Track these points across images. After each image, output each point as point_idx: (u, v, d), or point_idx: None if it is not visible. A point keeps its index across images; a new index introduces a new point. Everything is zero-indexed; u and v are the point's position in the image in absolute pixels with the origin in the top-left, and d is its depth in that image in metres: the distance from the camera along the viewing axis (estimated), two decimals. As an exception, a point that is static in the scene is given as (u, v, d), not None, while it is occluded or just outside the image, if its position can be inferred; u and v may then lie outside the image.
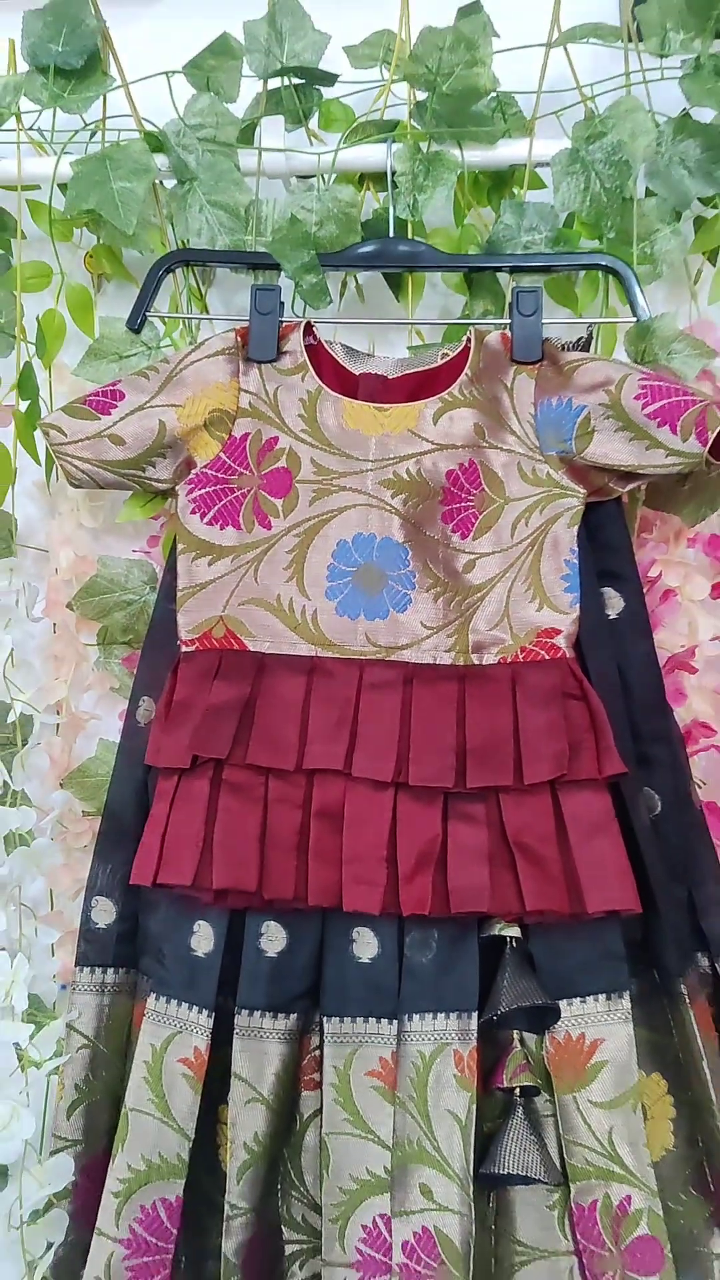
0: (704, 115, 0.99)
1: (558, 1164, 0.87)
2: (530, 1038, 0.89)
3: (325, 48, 1.02)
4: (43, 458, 1.03)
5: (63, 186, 1.02)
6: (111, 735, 1.04)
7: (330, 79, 1.02)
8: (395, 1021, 0.89)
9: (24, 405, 1.02)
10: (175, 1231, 0.88)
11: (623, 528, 0.97)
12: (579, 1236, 0.85)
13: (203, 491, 0.95)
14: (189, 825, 0.89)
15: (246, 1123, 0.87)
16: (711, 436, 0.88)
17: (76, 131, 1.03)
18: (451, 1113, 0.85)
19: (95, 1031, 0.95)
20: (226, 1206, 0.86)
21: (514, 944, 0.89)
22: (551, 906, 0.86)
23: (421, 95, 1.01)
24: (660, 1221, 0.84)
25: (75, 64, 1.01)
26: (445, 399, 0.95)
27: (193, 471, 0.96)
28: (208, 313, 1.07)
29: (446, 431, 0.94)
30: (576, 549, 0.93)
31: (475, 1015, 0.87)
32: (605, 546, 0.96)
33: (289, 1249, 0.91)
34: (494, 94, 1.00)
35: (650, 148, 0.99)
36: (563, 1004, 0.88)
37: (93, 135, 1.04)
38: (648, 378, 0.91)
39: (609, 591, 0.96)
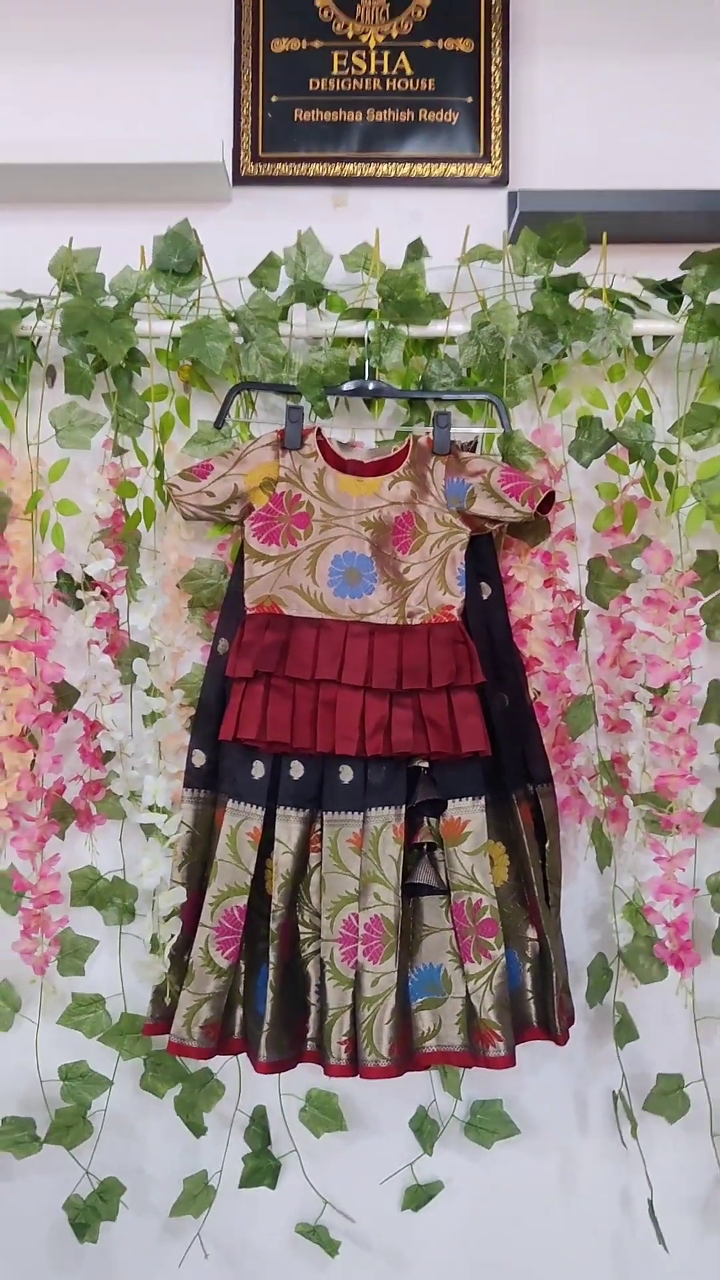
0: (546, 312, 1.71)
1: (445, 883, 1.61)
2: (432, 820, 1.60)
3: (331, 262, 1.72)
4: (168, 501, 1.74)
5: (175, 340, 1.70)
6: (198, 660, 1.76)
7: (328, 291, 1.72)
8: (361, 813, 1.59)
9: (157, 472, 1.73)
10: (242, 923, 1.58)
11: (492, 548, 1.69)
12: (455, 920, 1.58)
13: (259, 524, 1.66)
14: (253, 708, 1.57)
15: (283, 864, 1.58)
16: (536, 504, 1.60)
17: (183, 308, 1.72)
18: (391, 856, 1.56)
19: (194, 823, 1.65)
20: (271, 906, 1.57)
21: (425, 771, 1.58)
22: (445, 750, 1.55)
23: (385, 298, 1.70)
24: (497, 913, 1.56)
25: (184, 270, 1.70)
26: (395, 475, 1.66)
27: (253, 512, 1.66)
28: (256, 415, 1.78)
29: (395, 494, 1.65)
30: (465, 561, 1.63)
31: (404, 806, 1.57)
32: (481, 558, 1.66)
33: (302, 935, 1.62)
34: (427, 297, 1.71)
35: (515, 331, 1.66)
36: (449, 801, 1.57)
37: (192, 309, 1.73)
38: (507, 470, 1.63)
39: (483, 584, 1.66)
